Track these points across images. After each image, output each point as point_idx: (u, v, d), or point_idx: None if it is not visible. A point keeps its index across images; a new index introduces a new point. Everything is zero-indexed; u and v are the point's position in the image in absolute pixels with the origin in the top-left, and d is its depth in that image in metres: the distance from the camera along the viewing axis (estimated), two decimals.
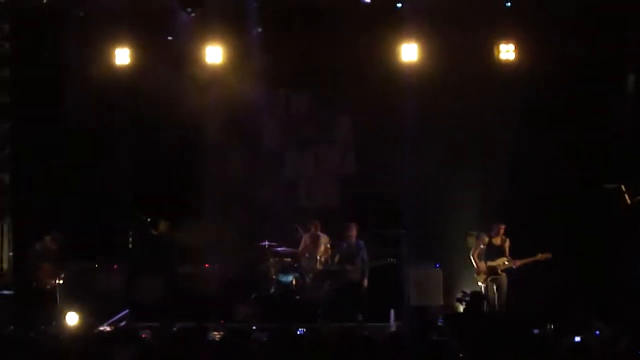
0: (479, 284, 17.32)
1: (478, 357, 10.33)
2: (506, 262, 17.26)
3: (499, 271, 17.24)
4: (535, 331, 13.68)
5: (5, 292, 17.84)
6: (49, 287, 17.60)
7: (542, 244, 17.14)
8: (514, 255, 17.28)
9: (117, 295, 17.93)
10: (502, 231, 17.34)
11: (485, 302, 16.74)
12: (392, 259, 17.91)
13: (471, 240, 17.65)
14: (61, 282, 17.61)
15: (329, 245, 18.23)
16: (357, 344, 10.49)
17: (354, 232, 18.08)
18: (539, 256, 17.07)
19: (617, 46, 18.24)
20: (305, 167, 20.02)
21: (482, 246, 17.35)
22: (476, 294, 16.51)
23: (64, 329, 16.56)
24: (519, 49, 18.43)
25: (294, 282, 17.83)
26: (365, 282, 17.92)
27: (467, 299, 16.68)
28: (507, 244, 17.35)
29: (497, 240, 17.36)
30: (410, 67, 18.66)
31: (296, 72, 19.46)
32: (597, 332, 13.52)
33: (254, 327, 15.92)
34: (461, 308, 17.25)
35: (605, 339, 12.33)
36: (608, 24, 18.13)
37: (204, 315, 16.44)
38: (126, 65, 18.88)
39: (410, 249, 18.15)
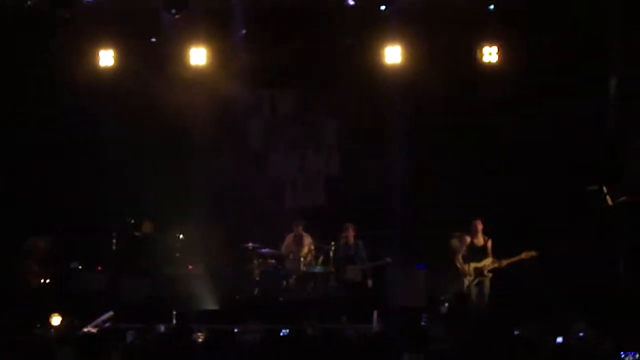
0: (464, 285, 17.35)
1: (462, 357, 10.38)
2: (491, 263, 17.28)
3: (485, 272, 17.28)
4: (516, 332, 13.75)
5: None
6: (35, 287, 17.59)
7: (525, 245, 17.19)
8: (499, 254, 17.32)
9: (101, 296, 17.90)
10: (479, 228, 17.34)
11: (468, 302, 16.79)
12: (389, 259, 17.94)
13: (455, 242, 17.67)
14: (48, 282, 17.60)
15: (312, 246, 18.25)
16: (340, 346, 10.53)
17: (351, 233, 18.08)
18: (524, 254, 17.10)
19: (600, 48, 18.32)
20: (291, 168, 20.06)
21: (465, 248, 17.39)
22: (459, 295, 16.56)
23: (49, 330, 16.57)
24: (502, 51, 18.48)
25: (277, 284, 17.81)
26: (370, 282, 17.92)
27: (449, 300, 16.74)
28: (490, 244, 17.38)
29: (478, 241, 17.39)
30: (394, 69, 18.71)
31: (281, 74, 19.56)
32: (581, 334, 13.57)
33: (235, 330, 15.92)
34: (444, 309, 17.27)
35: (589, 341, 12.41)
36: (590, 26, 18.22)
37: (188, 317, 16.56)
38: (110, 67, 18.87)
39: (394, 250, 18.19)
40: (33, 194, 18.71)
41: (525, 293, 17.32)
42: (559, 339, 12.65)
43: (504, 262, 17.24)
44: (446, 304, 17.16)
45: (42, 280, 17.59)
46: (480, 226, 17.35)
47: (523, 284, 17.42)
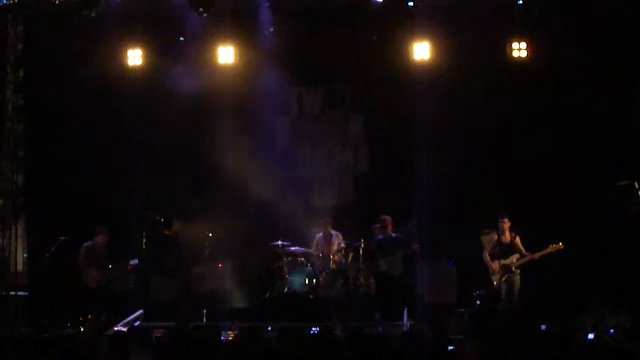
0: (494, 283, 17.28)
1: (492, 354, 10.32)
2: (518, 259, 17.21)
3: (513, 269, 17.21)
4: (543, 327, 13.72)
5: (20, 293, 17.87)
6: (95, 286, 17.70)
7: (553, 241, 17.10)
8: (526, 250, 17.25)
9: (131, 295, 17.96)
10: (506, 225, 17.28)
11: (499, 300, 16.74)
12: (417, 245, 17.87)
13: (485, 239, 17.61)
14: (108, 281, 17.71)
15: (342, 244, 18.22)
16: (370, 344, 10.49)
17: (389, 225, 18.02)
18: (552, 247, 17.03)
19: (631, 43, 18.18)
20: (319, 166, 20.03)
21: (493, 245, 17.33)
22: (492, 291, 16.50)
23: (79, 329, 16.67)
24: (531, 47, 18.38)
25: (307, 282, 17.79)
26: (407, 279, 17.83)
27: (481, 298, 16.68)
28: (518, 240, 17.31)
29: (506, 238, 17.32)
30: (423, 65, 18.65)
31: (308, 71, 19.54)
32: (612, 331, 13.49)
33: (268, 328, 15.95)
34: (476, 306, 17.22)
35: (620, 337, 12.32)
36: (621, 20, 18.07)
37: (218, 315, 16.59)
38: (139, 66, 18.94)
39: (423, 247, 18.14)
40: (63, 193, 18.76)
41: (555, 289, 17.26)
42: (590, 336, 12.57)
43: (530, 257, 17.15)
44: (477, 302, 17.12)
45: (101, 279, 17.70)
46: (507, 224, 17.27)
47: (553, 280, 17.35)
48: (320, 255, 18.23)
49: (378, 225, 18.08)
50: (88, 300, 17.59)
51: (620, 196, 16.81)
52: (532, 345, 10.27)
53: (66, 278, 17.82)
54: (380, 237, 18.04)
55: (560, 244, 17.00)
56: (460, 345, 11.06)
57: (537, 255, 17.14)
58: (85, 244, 17.99)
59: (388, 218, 18.07)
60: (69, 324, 17.19)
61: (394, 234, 18.02)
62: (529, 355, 9.96)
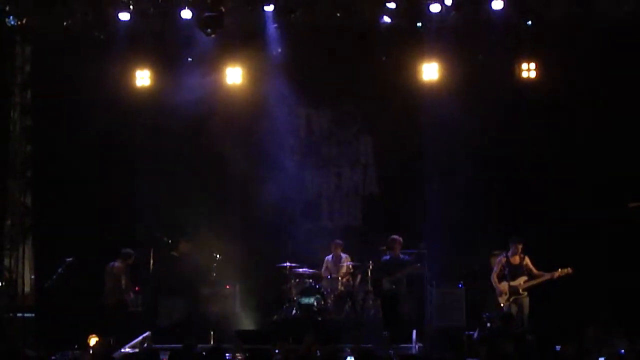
0: (502, 305, 17.16)
1: None
2: (526, 281, 17.11)
3: (520, 291, 17.10)
4: (557, 348, 13.60)
5: (27, 314, 17.81)
6: (127, 303, 17.66)
7: (564, 262, 16.99)
8: (534, 272, 17.13)
9: (139, 317, 17.90)
10: (519, 250, 17.19)
11: (511, 322, 16.61)
12: (419, 264, 17.76)
13: (494, 261, 17.50)
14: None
15: (351, 267, 18.13)
16: None
17: (398, 246, 17.91)
18: (560, 271, 16.93)
19: (639, 63, 18.13)
20: (327, 187, 19.96)
21: (501, 267, 17.22)
22: (504, 315, 16.38)
23: (87, 351, 16.56)
24: (541, 68, 18.34)
25: (315, 304, 17.69)
26: (409, 298, 17.69)
27: (492, 319, 16.56)
28: (526, 261, 17.21)
29: (515, 260, 17.22)
30: (431, 86, 18.63)
31: (317, 92, 19.49)
32: (622, 351, 13.36)
33: (276, 350, 15.83)
34: (486, 328, 17.07)
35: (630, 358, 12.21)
36: (630, 41, 18.03)
37: (225, 337, 16.49)
38: (147, 87, 18.96)
39: (432, 269, 18.04)
40: (70, 214, 18.72)
41: (565, 311, 17.15)
42: (601, 359, 12.45)
43: (537, 280, 17.05)
44: (488, 324, 16.98)
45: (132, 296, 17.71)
46: (519, 249, 17.16)
47: (562, 302, 17.23)
48: (329, 277, 18.14)
49: (385, 248, 17.97)
50: (129, 322, 17.53)
51: (631, 218, 16.71)
52: None
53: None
54: (387, 257, 17.95)
55: (569, 268, 16.88)
56: None
57: (545, 277, 17.02)
58: (116, 263, 17.85)
59: (397, 238, 17.95)
60: (76, 346, 17.08)
61: (401, 255, 17.92)
62: None
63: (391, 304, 17.48)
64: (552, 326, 16.60)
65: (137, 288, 18.37)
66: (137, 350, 16.19)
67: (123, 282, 17.73)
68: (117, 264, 17.85)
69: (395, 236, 17.98)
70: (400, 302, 17.49)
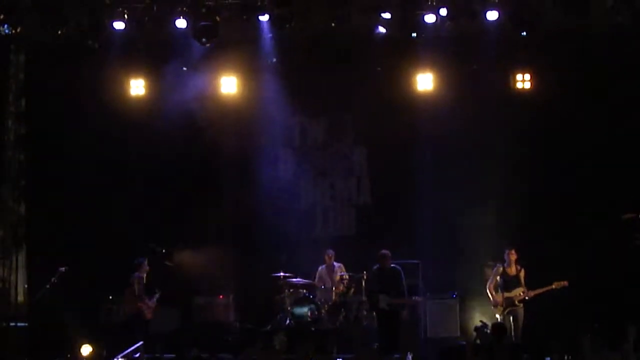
0: (497, 315, 17.14)
1: None
2: (522, 293, 17.09)
3: (516, 302, 17.08)
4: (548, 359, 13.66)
5: (20, 324, 17.75)
6: (142, 311, 17.65)
7: (558, 274, 16.98)
8: (530, 284, 17.10)
9: (132, 326, 17.84)
10: (513, 258, 17.15)
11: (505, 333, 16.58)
12: (418, 298, 17.65)
13: (488, 272, 17.48)
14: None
15: (345, 276, 18.09)
16: None
17: (387, 260, 17.83)
18: (555, 285, 16.91)
19: (634, 75, 18.15)
20: (321, 197, 19.95)
21: (497, 277, 17.20)
22: (497, 326, 16.34)
23: None
24: (535, 79, 18.37)
25: (309, 314, 17.67)
26: (405, 313, 17.58)
27: (486, 329, 16.53)
28: (522, 273, 17.19)
29: (511, 270, 17.19)
30: (426, 97, 18.65)
31: (311, 102, 19.49)
32: None
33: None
34: (479, 339, 17.05)
35: None
36: (624, 52, 18.06)
37: (219, 346, 16.46)
38: (141, 96, 18.95)
39: (425, 279, 18.03)
40: (64, 224, 18.69)
41: (557, 323, 17.14)
42: None
43: (532, 293, 17.03)
44: (481, 335, 16.97)
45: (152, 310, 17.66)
46: (513, 256, 17.14)
47: (556, 313, 17.23)
48: (323, 287, 18.12)
49: (377, 266, 17.88)
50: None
51: (625, 229, 16.70)
52: None
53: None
54: (378, 269, 17.89)
55: (565, 282, 16.87)
56: None
57: (540, 291, 17.00)
58: (137, 274, 17.81)
59: (384, 253, 17.77)
60: (69, 356, 17.06)
61: (392, 265, 17.85)
62: None
63: (387, 321, 17.39)
64: (545, 337, 16.62)
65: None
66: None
67: (137, 291, 17.67)
68: (136, 274, 17.80)
69: (383, 251, 17.88)
70: (397, 319, 17.40)
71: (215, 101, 19.01)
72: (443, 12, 17.38)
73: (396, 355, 16.53)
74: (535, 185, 18.39)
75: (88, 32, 17.62)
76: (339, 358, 16.11)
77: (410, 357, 16.64)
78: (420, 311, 17.92)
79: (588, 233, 17.86)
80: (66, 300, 17.67)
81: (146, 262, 17.76)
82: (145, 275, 17.68)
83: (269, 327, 17.91)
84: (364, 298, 17.69)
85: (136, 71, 18.89)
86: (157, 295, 17.69)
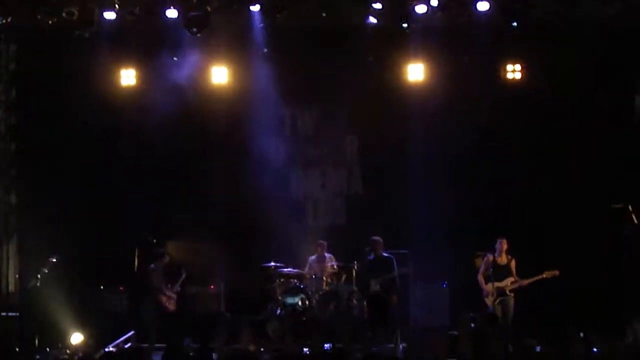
0: (487, 305, 17.20)
1: None
2: (513, 282, 17.15)
3: (507, 292, 17.14)
4: (538, 349, 13.73)
5: (11, 314, 17.74)
6: (162, 303, 17.67)
7: (548, 264, 17.04)
8: (521, 274, 17.16)
9: (123, 316, 17.89)
10: (504, 247, 17.21)
11: (496, 323, 16.65)
12: (407, 269, 17.77)
13: (479, 261, 17.54)
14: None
15: (335, 266, 18.14)
16: None
17: (380, 247, 17.91)
18: (546, 274, 16.96)
19: (625, 66, 18.21)
20: (312, 186, 19.97)
21: (488, 267, 17.25)
22: (488, 315, 16.42)
23: (70, 350, 16.56)
24: (526, 69, 18.42)
25: (299, 304, 17.71)
26: (395, 298, 17.69)
27: (476, 319, 16.60)
28: (513, 263, 17.24)
29: (502, 260, 17.25)
30: (417, 87, 18.68)
31: (302, 92, 19.48)
32: (595, 350, 13.49)
33: (261, 349, 15.91)
34: (469, 328, 17.11)
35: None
36: (615, 44, 18.11)
37: (210, 336, 16.48)
38: (132, 86, 18.92)
39: (416, 268, 18.08)
40: (55, 214, 18.66)
41: (548, 312, 17.21)
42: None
43: (525, 282, 17.08)
44: (472, 324, 17.03)
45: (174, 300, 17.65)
46: (505, 246, 17.20)
47: (547, 302, 17.29)
48: (313, 277, 18.14)
49: (368, 248, 17.98)
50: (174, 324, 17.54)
51: (614, 219, 16.77)
52: None
53: None
54: (371, 257, 17.96)
55: (556, 271, 16.93)
56: None
57: (531, 281, 17.06)
58: (152, 266, 17.85)
59: (378, 239, 17.95)
60: (60, 345, 17.08)
61: (385, 254, 17.92)
62: None
63: (378, 304, 17.46)
64: (535, 327, 16.70)
65: (121, 288, 18.36)
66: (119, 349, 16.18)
67: (154, 282, 17.69)
68: (152, 266, 17.81)
69: (375, 237, 17.98)
70: (387, 303, 17.47)
71: (206, 91, 18.99)
72: (434, 2, 17.42)
73: (390, 345, 16.65)
74: (525, 175, 18.44)
75: (79, 22, 17.59)
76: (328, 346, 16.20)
77: (401, 346, 16.73)
78: (410, 299, 17.99)
79: (578, 223, 17.90)
80: (57, 290, 17.66)
81: (165, 255, 17.80)
82: (162, 266, 17.72)
83: (260, 316, 17.93)
84: (355, 288, 17.74)
85: (127, 61, 18.84)
86: (181, 279, 17.72)
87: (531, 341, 15.46)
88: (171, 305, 17.70)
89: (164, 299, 17.61)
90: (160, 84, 18.66)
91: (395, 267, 17.70)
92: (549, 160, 18.37)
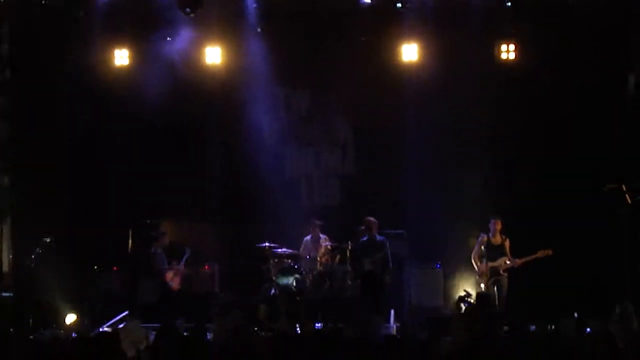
0: (481, 285, 17.25)
1: (479, 355, 10.29)
2: (507, 262, 17.19)
3: (501, 271, 17.18)
4: (532, 328, 13.78)
5: (5, 294, 17.75)
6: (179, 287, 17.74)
7: (542, 244, 17.07)
8: (515, 254, 17.21)
9: (118, 297, 17.92)
10: (498, 227, 17.25)
11: (490, 303, 16.70)
12: (400, 250, 17.82)
13: (473, 242, 17.59)
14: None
15: (329, 247, 18.16)
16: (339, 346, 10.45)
17: (374, 227, 17.93)
18: (540, 253, 17.01)
19: (619, 45, 18.20)
20: (306, 166, 19.97)
21: (482, 247, 17.29)
22: (481, 295, 16.46)
23: (64, 330, 16.58)
24: (520, 49, 18.40)
25: (294, 284, 17.73)
26: (388, 278, 17.71)
27: (470, 299, 16.63)
28: (507, 243, 17.28)
29: (496, 240, 17.29)
30: (411, 67, 18.67)
31: (296, 72, 19.45)
32: (589, 329, 13.54)
33: (255, 329, 15.93)
34: (463, 308, 17.16)
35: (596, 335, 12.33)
36: (609, 24, 18.10)
37: (204, 316, 16.50)
38: (125, 66, 18.89)
39: (410, 249, 18.11)
40: (49, 194, 18.65)
41: (541, 292, 17.24)
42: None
43: (519, 262, 17.12)
44: (465, 304, 17.08)
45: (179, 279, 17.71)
46: (498, 226, 17.24)
47: (540, 281, 17.33)
48: (308, 257, 18.16)
49: (362, 228, 18.00)
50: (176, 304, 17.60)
51: (608, 199, 16.79)
52: (519, 345, 10.26)
53: None
54: (365, 238, 17.98)
55: (549, 250, 16.97)
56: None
57: (525, 260, 17.10)
58: (154, 249, 17.87)
59: (372, 220, 17.98)
60: (54, 325, 17.10)
61: (378, 237, 17.95)
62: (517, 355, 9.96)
63: (371, 284, 17.49)
64: (529, 306, 16.73)
65: (115, 268, 18.38)
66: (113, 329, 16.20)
67: (158, 265, 17.72)
68: (153, 249, 17.84)
69: (370, 218, 18.00)
70: (381, 282, 17.51)
71: (200, 71, 18.95)
72: None
73: (385, 325, 16.68)
74: (520, 155, 18.44)
75: (73, 1, 17.54)
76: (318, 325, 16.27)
77: (395, 326, 16.77)
78: (404, 279, 18.03)
79: (572, 203, 17.91)
80: (51, 271, 17.68)
81: (166, 235, 17.82)
82: (163, 247, 17.75)
83: (254, 297, 17.96)
84: (349, 268, 17.76)
85: (120, 41, 18.82)
86: (185, 257, 17.73)
87: (525, 321, 15.47)
88: (176, 284, 17.75)
89: (169, 276, 17.67)
90: (153, 64, 18.63)
91: (388, 249, 17.73)
92: (543, 139, 18.36)
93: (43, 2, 17.59)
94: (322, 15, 18.58)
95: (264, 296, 17.80)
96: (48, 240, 17.64)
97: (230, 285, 18.40)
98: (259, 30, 18.69)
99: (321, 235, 18.38)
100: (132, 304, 17.81)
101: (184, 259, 17.92)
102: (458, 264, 18.15)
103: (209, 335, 12.68)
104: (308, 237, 18.44)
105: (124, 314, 17.41)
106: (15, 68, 18.93)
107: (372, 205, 18.63)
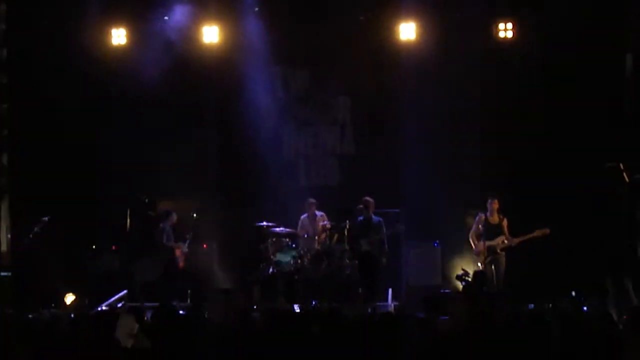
0: (479, 264, 17.26)
1: (472, 335, 10.28)
2: (505, 241, 17.20)
3: (498, 250, 17.19)
4: (531, 306, 13.79)
5: (3, 274, 17.78)
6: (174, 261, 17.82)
7: (540, 222, 17.08)
8: (512, 233, 17.21)
9: (116, 276, 17.94)
10: (495, 206, 17.24)
11: (486, 282, 16.71)
12: (402, 226, 17.84)
13: (470, 221, 17.60)
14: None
15: (327, 225, 18.16)
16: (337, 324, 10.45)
17: (371, 207, 17.92)
18: (537, 232, 17.00)
19: (616, 24, 18.16)
20: (304, 146, 19.96)
21: (479, 226, 17.29)
22: (478, 274, 16.48)
23: (62, 309, 16.61)
24: (518, 27, 18.37)
25: (292, 263, 17.75)
26: (384, 260, 17.68)
27: (467, 277, 16.66)
28: (505, 222, 17.28)
29: (494, 219, 17.28)
30: (409, 46, 18.64)
31: (294, 52, 19.42)
32: (585, 308, 13.55)
33: (253, 307, 15.96)
34: (460, 286, 17.18)
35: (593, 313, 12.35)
36: (606, 2, 18.06)
37: (202, 296, 16.55)
38: (123, 45, 18.87)
39: (408, 228, 18.12)
40: (47, 173, 18.65)
41: (539, 271, 17.27)
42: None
43: (516, 241, 17.13)
44: (462, 283, 17.10)
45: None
46: (496, 205, 17.24)
47: (538, 260, 17.35)
48: (305, 236, 18.18)
49: (361, 207, 18.00)
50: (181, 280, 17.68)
51: (606, 178, 16.78)
52: (518, 325, 10.25)
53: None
54: (361, 218, 17.98)
55: (547, 229, 16.97)
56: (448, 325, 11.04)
57: (522, 239, 17.10)
58: (162, 225, 17.90)
59: (370, 200, 17.96)
60: (52, 305, 17.13)
61: (374, 217, 17.94)
62: (515, 333, 9.95)
63: (369, 264, 17.53)
64: (527, 285, 16.76)
65: (113, 247, 18.41)
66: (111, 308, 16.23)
67: (165, 241, 17.75)
68: (162, 225, 17.85)
69: (367, 198, 17.99)
70: (378, 263, 17.54)
71: (198, 50, 18.92)
72: None
73: (379, 303, 16.72)
74: (518, 134, 18.41)
75: None
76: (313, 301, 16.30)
77: (392, 304, 16.81)
78: (402, 258, 18.05)
79: (570, 182, 17.91)
80: (49, 250, 17.70)
81: (173, 213, 17.85)
82: (171, 225, 17.77)
83: (252, 276, 17.99)
84: (347, 246, 17.77)
85: (118, 20, 18.80)
86: (190, 235, 17.77)
87: (522, 300, 15.50)
88: (182, 262, 17.80)
89: (177, 252, 17.72)
90: (151, 44, 18.59)
91: (384, 230, 17.73)
92: (541, 118, 18.33)
93: None
94: None
95: (262, 275, 17.83)
96: (46, 219, 17.62)
97: (228, 264, 18.41)
98: (256, 9, 18.66)
99: (317, 213, 18.38)
100: (131, 283, 17.83)
101: (186, 244, 17.93)
102: (456, 242, 18.15)
103: (206, 315, 12.66)
104: (304, 215, 18.45)
105: (122, 293, 17.44)
106: (12, 48, 18.87)
107: (371, 185, 18.61)
